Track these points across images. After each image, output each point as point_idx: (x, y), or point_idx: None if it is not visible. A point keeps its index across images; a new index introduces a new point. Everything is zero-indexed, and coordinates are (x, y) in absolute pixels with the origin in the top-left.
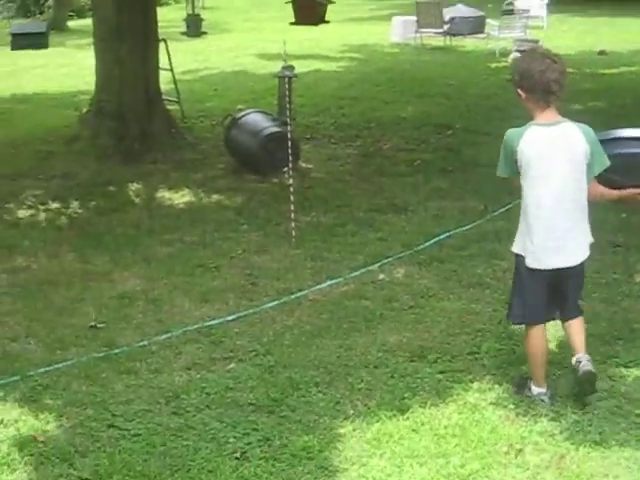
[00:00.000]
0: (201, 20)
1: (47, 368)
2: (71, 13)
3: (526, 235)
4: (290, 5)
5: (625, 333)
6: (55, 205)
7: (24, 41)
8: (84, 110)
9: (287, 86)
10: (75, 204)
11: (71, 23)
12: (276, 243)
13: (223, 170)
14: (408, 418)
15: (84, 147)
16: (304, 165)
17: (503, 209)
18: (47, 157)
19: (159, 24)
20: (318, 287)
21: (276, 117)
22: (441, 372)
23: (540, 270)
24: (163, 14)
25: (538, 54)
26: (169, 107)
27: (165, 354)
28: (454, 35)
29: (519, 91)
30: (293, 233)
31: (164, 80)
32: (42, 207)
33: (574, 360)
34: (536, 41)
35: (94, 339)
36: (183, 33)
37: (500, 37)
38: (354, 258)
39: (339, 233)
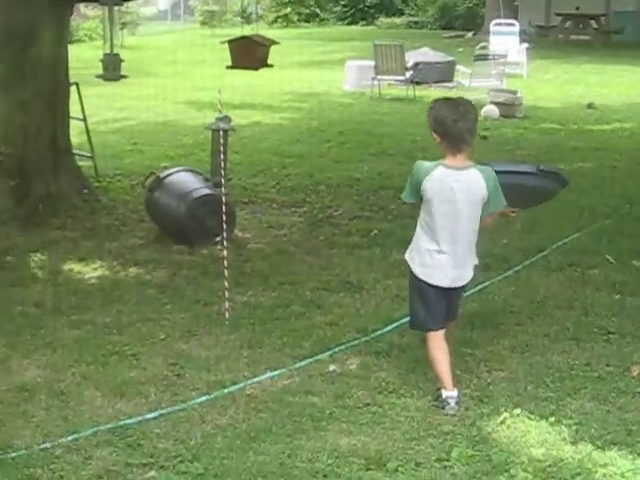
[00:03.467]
0: (120, 61)
1: None
2: None
3: (416, 251)
4: (226, 46)
5: (621, 436)
6: None
7: None
8: None
9: (222, 140)
10: None
11: None
12: (206, 327)
13: (144, 239)
14: None
15: None
16: (240, 234)
17: (476, 289)
18: None
19: (70, 64)
20: (256, 380)
21: (208, 177)
22: None
23: (433, 285)
24: (76, 53)
25: (452, 101)
26: (80, 163)
27: (72, 459)
28: (418, 83)
29: (434, 134)
30: (227, 315)
31: (75, 131)
32: None
33: None
34: (514, 92)
35: None
36: (99, 76)
37: (472, 87)
38: (299, 345)
39: (281, 315)
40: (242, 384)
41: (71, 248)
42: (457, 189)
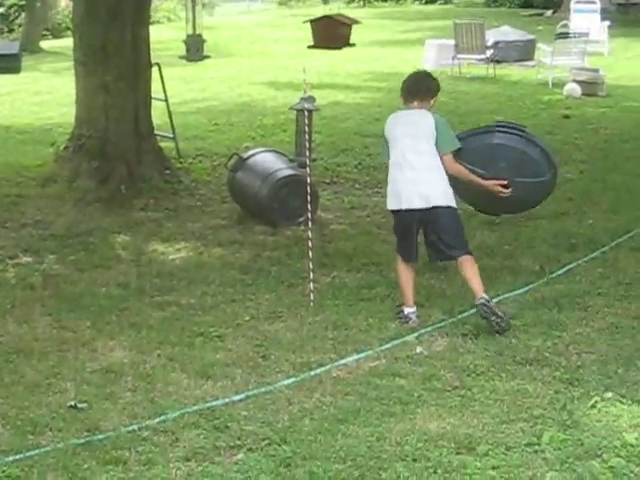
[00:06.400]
0: (203, 41)
1: (16, 456)
2: (45, 32)
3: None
4: (305, 26)
5: None
6: (26, 259)
7: None
8: (61, 147)
9: (307, 121)
10: (50, 258)
11: (45, 44)
12: (291, 308)
13: (226, 220)
14: None
15: (61, 190)
16: (323, 215)
17: (563, 270)
18: (16, 202)
19: (151, 46)
20: (343, 362)
21: (291, 158)
22: (494, 467)
23: (397, 210)
24: (155, 34)
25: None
26: (162, 144)
27: (159, 441)
28: (499, 62)
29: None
30: (311, 296)
31: (156, 112)
32: (10, 261)
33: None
34: (596, 70)
35: (73, 422)
36: (182, 57)
37: (553, 65)
38: (385, 327)
39: (366, 296)
40: (328, 366)
41: (154, 229)
42: (405, 117)
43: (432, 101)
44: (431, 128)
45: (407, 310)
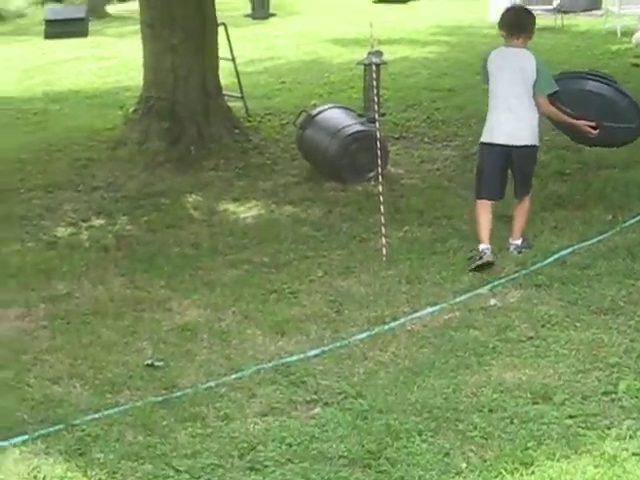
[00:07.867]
0: None
1: (96, 415)
2: None
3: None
4: None
5: None
6: (99, 221)
7: (60, 28)
8: (130, 109)
9: (374, 75)
10: (122, 220)
11: (111, 8)
12: (363, 263)
13: (297, 177)
14: (533, 472)
15: (131, 153)
16: (393, 170)
17: (636, 219)
18: (88, 165)
19: (217, 5)
20: (416, 315)
21: (360, 113)
22: (571, 416)
23: (488, 143)
24: None
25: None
26: (230, 104)
27: (236, 397)
28: (566, 12)
29: (501, 33)
30: (384, 251)
31: (224, 72)
32: (84, 224)
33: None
34: None
35: (151, 380)
36: (247, 15)
37: (622, 13)
38: (459, 280)
39: (439, 250)
40: (403, 320)
41: (225, 188)
42: (509, 59)
43: (533, 36)
44: (533, 70)
45: (481, 247)
